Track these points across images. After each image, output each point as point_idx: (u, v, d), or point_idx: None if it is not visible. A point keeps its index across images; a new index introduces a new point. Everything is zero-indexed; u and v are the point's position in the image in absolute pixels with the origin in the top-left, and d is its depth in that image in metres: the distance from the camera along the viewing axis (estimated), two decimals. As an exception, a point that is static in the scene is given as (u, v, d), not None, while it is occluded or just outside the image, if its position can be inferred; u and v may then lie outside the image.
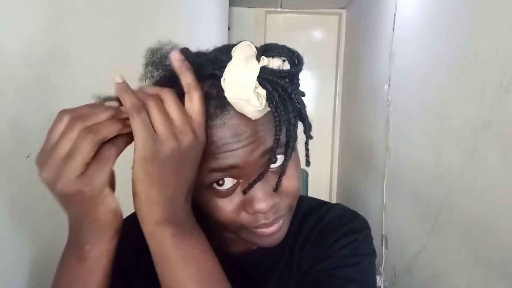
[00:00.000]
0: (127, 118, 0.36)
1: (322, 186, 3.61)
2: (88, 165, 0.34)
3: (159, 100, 0.37)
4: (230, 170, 0.41)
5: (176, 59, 0.39)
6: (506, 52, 1.07)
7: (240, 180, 0.43)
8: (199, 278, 0.39)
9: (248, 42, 0.40)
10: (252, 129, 0.40)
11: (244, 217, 0.44)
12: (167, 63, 0.41)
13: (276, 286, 0.54)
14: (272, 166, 0.43)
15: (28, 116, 0.54)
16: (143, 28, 1.04)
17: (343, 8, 3.41)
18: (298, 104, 0.41)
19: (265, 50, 0.39)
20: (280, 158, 0.43)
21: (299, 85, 0.41)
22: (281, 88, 0.39)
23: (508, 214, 1.04)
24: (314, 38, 3.57)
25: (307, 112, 0.43)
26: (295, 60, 0.40)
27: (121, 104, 0.37)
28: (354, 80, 3.02)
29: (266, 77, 0.38)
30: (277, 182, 0.43)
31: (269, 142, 0.41)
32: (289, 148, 0.42)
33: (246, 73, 0.38)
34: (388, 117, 2.06)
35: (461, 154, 1.28)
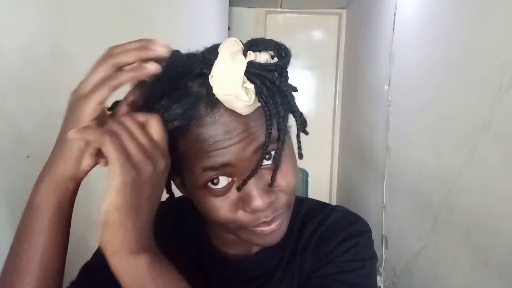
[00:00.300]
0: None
1: (322, 186, 3.60)
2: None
3: (126, 127, 0.37)
4: (223, 168, 0.41)
5: (131, 99, 0.41)
6: (506, 52, 1.07)
7: (235, 178, 0.42)
8: None
9: (234, 38, 0.40)
10: (243, 126, 0.40)
11: (243, 216, 0.43)
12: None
13: None
14: (267, 162, 0.43)
15: (28, 116, 0.54)
16: (143, 28, 1.04)
17: (343, 8, 3.40)
18: (287, 96, 0.41)
19: (251, 45, 0.39)
20: (274, 154, 0.43)
21: (287, 78, 0.41)
22: (269, 82, 0.39)
23: (508, 214, 1.04)
24: (314, 38, 3.57)
25: (297, 105, 0.43)
26: (282, 53, 0.40)
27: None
28: (354, 80, 3.02)
29: (253, 72, 0.38)
30: (271, 177, 0.42)
31: (261, 138, 0.41)
32: (279, 141, 0.41)
33: (233, 69, 0.38)
34: (388, 117, 2.06)
35: (461, 154, 1.28)
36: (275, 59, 0.40)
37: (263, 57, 0.39)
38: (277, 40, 0.40)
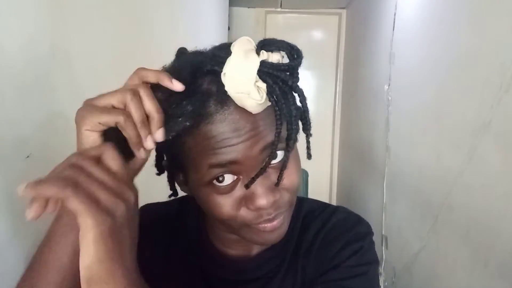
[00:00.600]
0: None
1: (322, 186, 3.60)
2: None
3: (84, 169, 0.34)
4: (230, 166, 0.41)
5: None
6: (506, 52, 1.07)
7: (240, 176, 0.43)
8: None
9: (247, 37, 0.40)
10: (252, 124, 0.40)
11: (246, 213, 0.43)
12: None
13: None
14: (273, 161, 0.43)
15: (28, 116, 0.54)
16: (143, 28, 1.04)
17: (343, 8, 3.40)
18: (300, 96, 0.41)
19: (264, 45, 0.40)
20: (280, 154, 0.43)
21: (298, 79, 0.41)
22: (282, 81, 0.39)
23: (508, 214, 1.04)
24: (314, 38, 3.57)
25: (307, 106, 0.43)
26: (294, 54, 0.40)
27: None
28: (354, 80, 3.02)
29: (266, 71, 0.38)
30: (278, 176, 0.43)
31: (269, 137, 0.41)
32: (291, 140, 0.42)
33: (246, 67, 0.38)
34: (388, 117, 2.06)
35: (461, 154, 1.28)
36: (285, 59, 0.40)
37: (275, 57, 0.39)
38: (290, 41, 0.40)
